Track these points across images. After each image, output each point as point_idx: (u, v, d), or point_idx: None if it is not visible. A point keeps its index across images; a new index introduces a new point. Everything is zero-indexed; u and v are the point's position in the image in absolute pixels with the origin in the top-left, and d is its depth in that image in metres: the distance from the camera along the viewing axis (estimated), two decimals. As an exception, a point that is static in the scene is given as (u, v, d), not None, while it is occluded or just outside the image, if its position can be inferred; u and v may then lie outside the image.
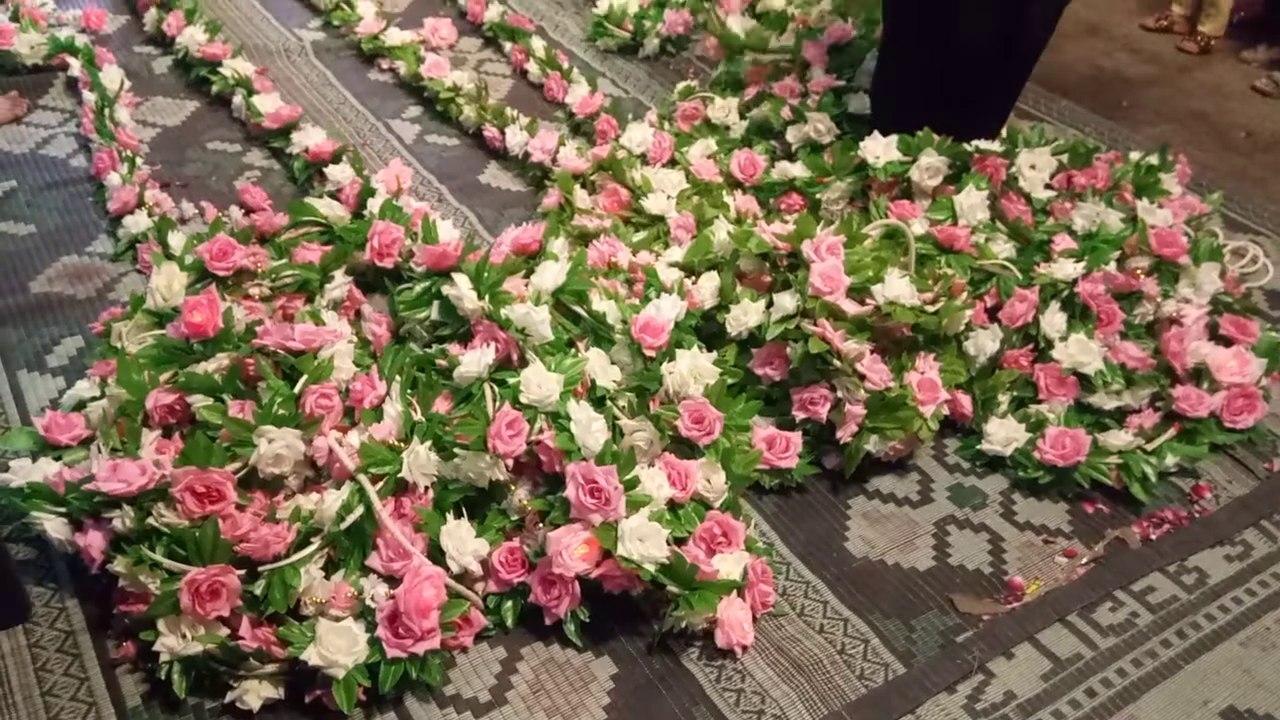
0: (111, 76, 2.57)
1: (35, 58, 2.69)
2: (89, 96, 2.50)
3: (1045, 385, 1.79)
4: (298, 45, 2.98)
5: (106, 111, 2.43)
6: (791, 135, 2.43)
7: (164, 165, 2.39)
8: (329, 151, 2.31)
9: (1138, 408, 1.79)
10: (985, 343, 1.76)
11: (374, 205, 2.01)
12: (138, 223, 2.08)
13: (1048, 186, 2.06)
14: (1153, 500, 1.69)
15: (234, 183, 2.36)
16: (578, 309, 1.69)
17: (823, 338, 1.62)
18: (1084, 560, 1.59)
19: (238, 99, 2.57)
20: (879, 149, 2.09)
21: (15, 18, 2.78)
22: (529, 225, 1.91)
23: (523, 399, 1.48)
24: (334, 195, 2.16)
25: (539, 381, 1.49)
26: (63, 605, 1.42)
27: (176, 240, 1.97)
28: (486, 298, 1.65)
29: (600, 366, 1.61)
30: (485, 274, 1.69)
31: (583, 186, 2.25)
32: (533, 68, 2.89)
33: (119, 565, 1.32)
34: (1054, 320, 1.81)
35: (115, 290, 2.01)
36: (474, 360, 1.52)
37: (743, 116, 2.55)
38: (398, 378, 1.57)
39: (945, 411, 1.70)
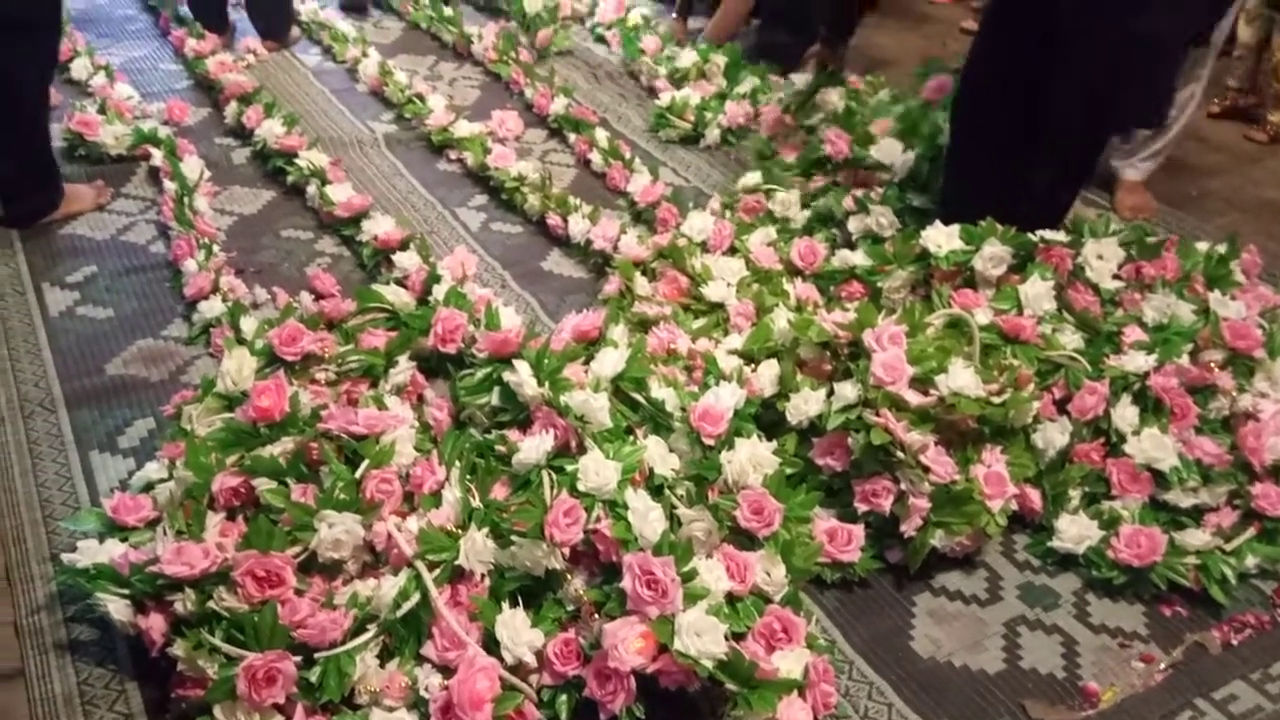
0: (192, 166, 2.68)
1: (120, 148, 2.82)
2: (169, 185, 2.60)
3: (1118, 481, 1.73)
4: (370, 137, 3.09)
5: (186, 200, 2.53)
6: (853, 225, 2.44)
7: (239, 252, 2.47)
8: (397, 239, 2.36)
9: (1215, 506, 1.72)
10: (1054, 436, 1.72)
11: (439, 292, 2.05)
12: (212, 307, 2.14)
13: (1116, 277, 2.03)
14: (1233, 603, 1.61)
15: (305, 269, 2.43)
16: (637, 396, 1.69)
17: (885, 428, 1.59)
18: (1162, 666, 1.52)
19: (311, 188, 2.66)
20: (941, 238, 2.08)
21: (102, 110, 2.92)
22: (589, 312, 1.92)
23: (580, 487, 1.47)
24: (401, 282, 2.21)
25: (597, 469, 1.48)
26: (122, 688, 1.43)
27: (248, 325, 2.02)
28: (546, 384, 1.66)
29: (659, 454, 1.59)
30: (545, 360, 1.70)
31: (643, 274, 2.27)
32: (596, 158, 2.95)
33: (179, 649, 1.33)
34: (1126, 414, 1.76)
35: (188, 373, 2.07)
36: (533, 447, 1.53)
37: (805, 207, 2.57)
38: (457, 463, 1.57)
39: (1013, 506, 1.65)
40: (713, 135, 3.10)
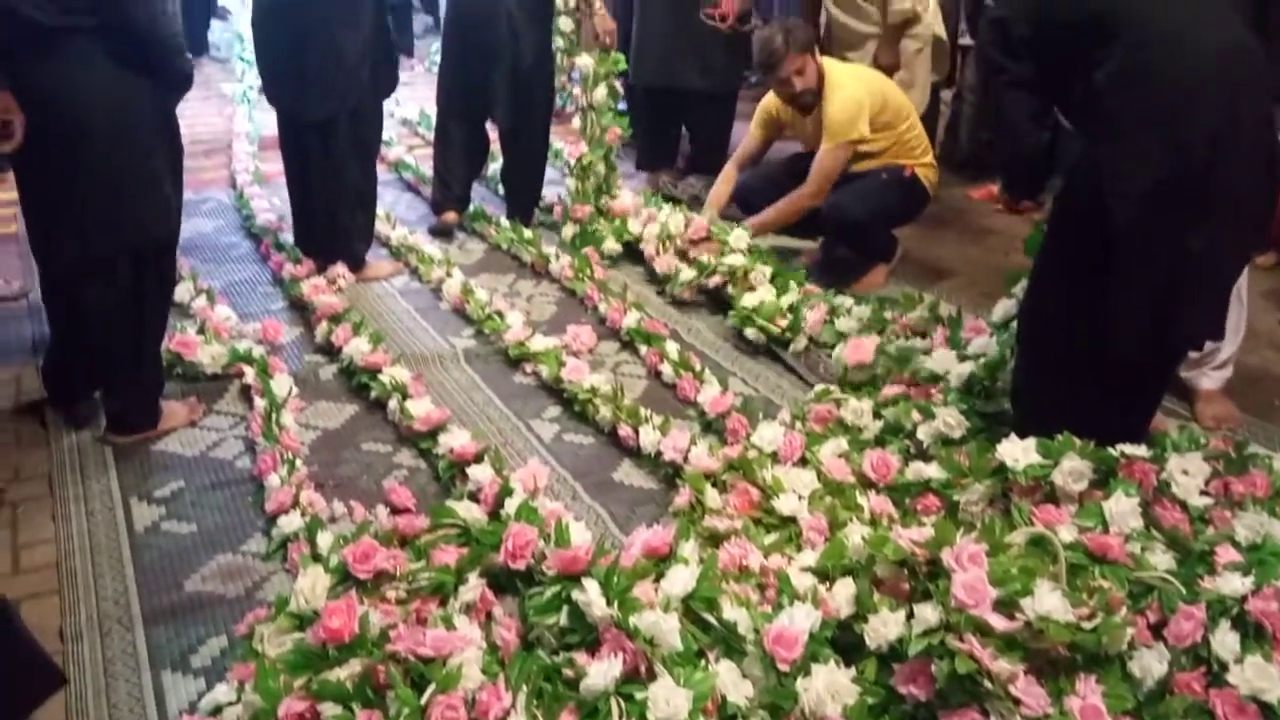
0: (281, 384, 2.80)
1: (215, 367, 2.96)
2: (259, 402, 2.71)
3: (1223, 714, 1.61)
4: (451, 352, 3.21)
5: (274, 416, 2.63)
6: (923, 433, 2.42)
7: (320, 466, 2.54)
8: (472, 452, 2.41)
9: (1334, 741, 1.58)
10: (1152, 664, 1.62)
11: (511, 506, 2.07)
12: (291, 522, 2.18)
13: (1203, 493, 1.96)
14: None
15: (382, 482, 2.48)
16: (708, 617, 1.65)
17: (970, 656, 1.52)
18: None
19: (393, 403, 2.75)
20: (1018, 451, 2.04)
21: (201, 330, 3.10)
22: (659, 526, 1.91)
23: (650, 717, 1.42)
24: (474, 495, 2.23)
25: (667, 698, 1.43)
26: None
27: (325, 540, 2.05)
28: (615, 604, 1.63)
29: (731, 681, 1.54)
30: (615, 579, 1.68)
31: (714, 486, 2.27)
32: (666, 369, 3.01)
33: None
34: (1226, 640, 1.66)
35: (263, 589, 2.09)
36: (600, 673, 1.49)
37: (877, 416, 2.57)
38: (524, 689, 1.54)
39: (1113, 742, 1.54)
40: (799, 343, 3.14)
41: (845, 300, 3.21)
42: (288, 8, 3.34)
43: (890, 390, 2.65)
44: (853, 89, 3.56)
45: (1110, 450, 2.00)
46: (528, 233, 4.10)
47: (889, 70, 4.00)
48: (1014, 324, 2.45)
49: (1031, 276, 2.28)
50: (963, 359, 2.60)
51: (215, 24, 7.95)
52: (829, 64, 3.65)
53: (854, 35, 4.14)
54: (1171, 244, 1.96)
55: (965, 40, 4.49)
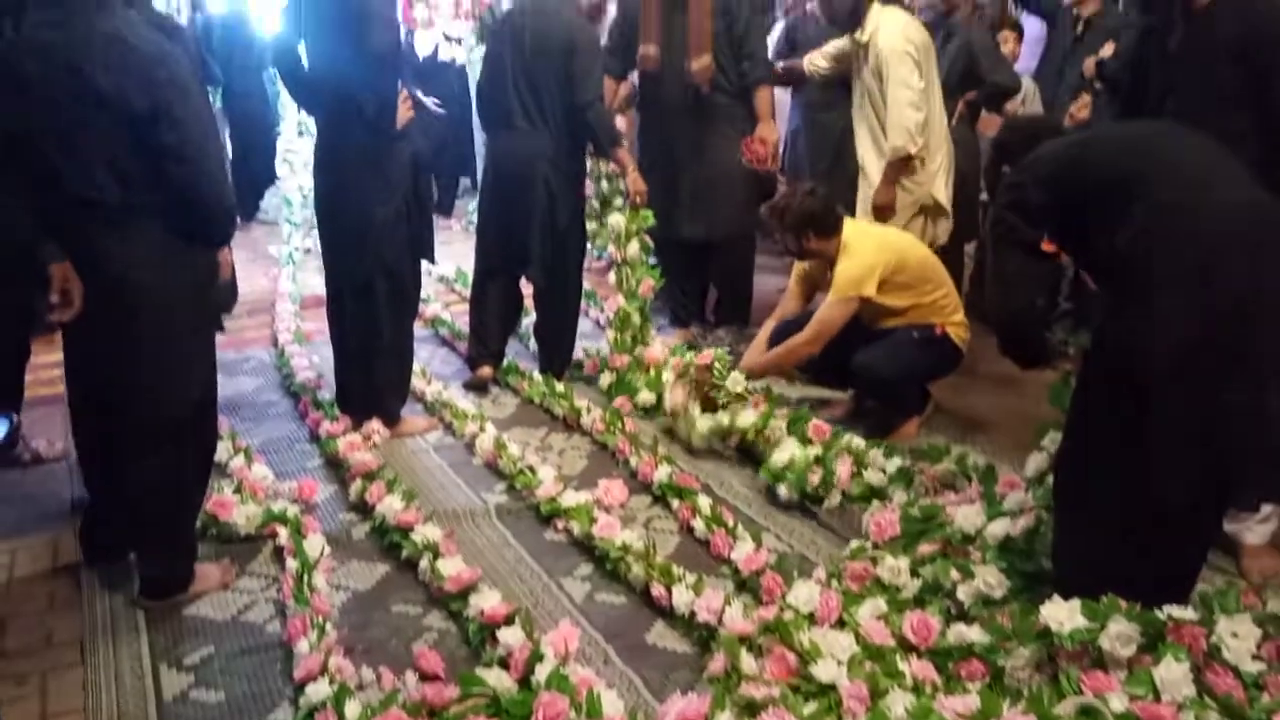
0: (314, 544, 2.80)
1: (249, 528, 2.98)
2: (291, 564, 2.71)
3: None
4: (483, 508, 3.21)
5: (305, 578, 2.63)
6: (963, 593, 2.37)
7: (350, 629, 2.51)
8: (502, 614, 2.38)
9: None
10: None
11: (541, 673, 2.03)
12: (319, 691, 2.14)
13: (1255, 657, 1.89)
14: None
15: (412, 645, 2.44)
16: (746, 796, 1.59)
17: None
18: None
19: (424, 563, 2.74)
20: (1062, 614, 1.99)
21: (238, 490, 3.13)
22: (694, 694, 1.86)
23: None
24: (504, 661, 2.19)
25: None
26: None
27: (352, 710, 2.02)
28: (650, 783, 1.58)
29: None
30: (649, 756, 1.63)
31: (749, 649, 2.21)
32: (699, 525, 2.99)
33: None
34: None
35: (289, 762, 2.04)
36: None
37: (914, 574, 2.52)
38: None
39: None
40: (834, 499, 3.11)
41: (873, 452, 3.20)
42: (333, 175, 3.52)
43: (927, 547, 2.60)
44: (865, 250, 3.60)
45: (1157, 613, 1.94)
46: (560, 386, 4.15)
47: (883, 211, 4.03)
48: (1049, 479, 2.42)
49: (1065, 432, 2.27)
50: (998, 515, 2.56)
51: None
52: (849, 225, 3.71)
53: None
54: (1208, 403, 1.95)
55: (986, 196, 4.60)
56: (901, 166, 4.00)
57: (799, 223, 3.65)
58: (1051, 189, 2.21)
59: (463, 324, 4.68)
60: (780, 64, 4.88)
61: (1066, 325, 4.27)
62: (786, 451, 3.25)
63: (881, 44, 3.92)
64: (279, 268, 6.22)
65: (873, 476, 3.06)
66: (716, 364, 3.70)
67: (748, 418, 3.48)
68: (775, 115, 4.67)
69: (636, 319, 4.31)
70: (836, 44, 4.28)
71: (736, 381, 3.62)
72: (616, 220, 4.34)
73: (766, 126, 4.52)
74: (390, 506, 3.01)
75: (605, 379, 4.21)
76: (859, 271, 3.57)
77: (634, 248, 4.32)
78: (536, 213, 4.05)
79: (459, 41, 5.51)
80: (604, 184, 4.26)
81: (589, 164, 4.26)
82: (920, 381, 3.76)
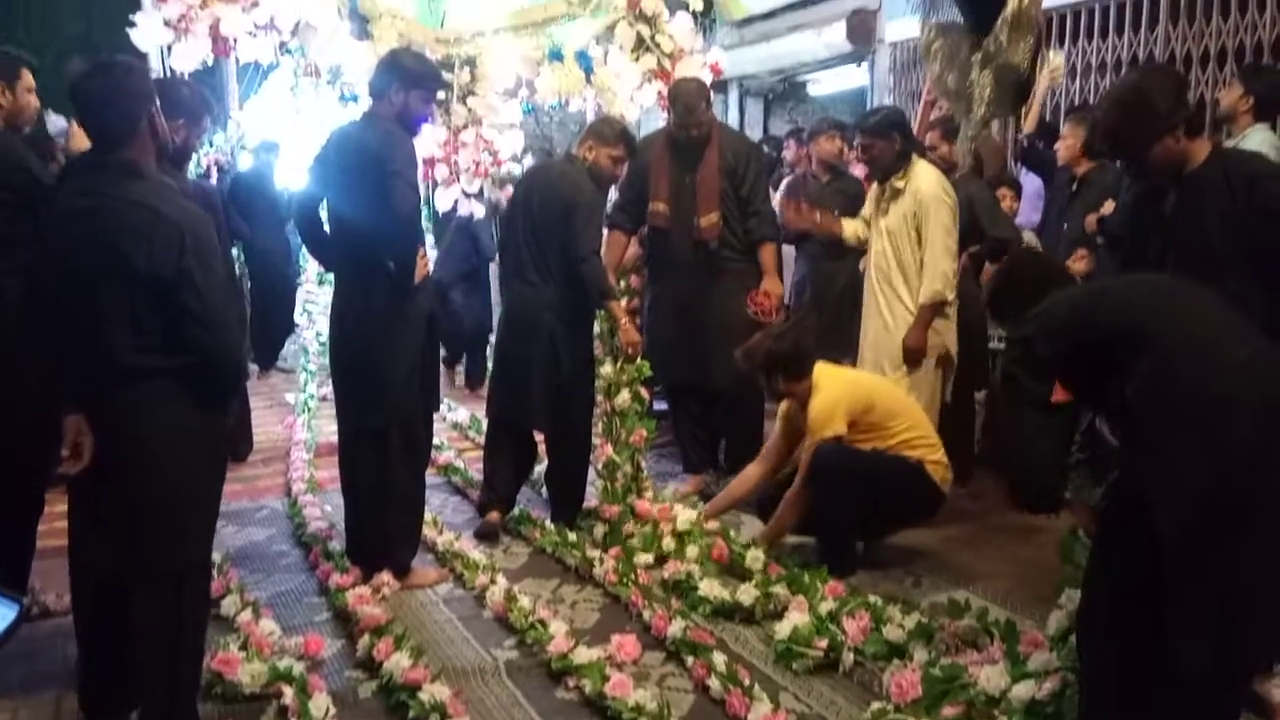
0: (319, 704, 2.74)
1: (254, 686, 2.91)
2: (295, 727, 2.65)
3: None
4: (492, 665, 3.14)
5: (309, 742, 2.56)
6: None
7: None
8: (511, 781, 2.30)
9: None
10: None
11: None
12: None
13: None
14: None
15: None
16: None
17: None
18: None
19: (431, 725, 2.67)
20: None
21: (244, 646, 3.07)
22: None
23: None
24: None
25: None
26: None
27: None
28: None
29: None
30: None
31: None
32: (714, 683, 2.91)
33: None
34: None
35: None
36: None
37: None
38: None
39: None
40: (847, 660, 3.04)
41: (890, 608, 3.14)
42: (351, 328, 3.60)
43: (950, 710, 2.53)
44: (832, 390, 3.72)
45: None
46: (571, 536, 4.12)
47: (915, 354, 4.08)
48: (1073, 637, 2.37)
49: (1084, 592, 2.24)
50: (1023, 677, 2.49)
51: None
52: (821, 368, 3.82)
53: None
54: (1223, 557, 1.93)
55: (995, 344, 4.65)
56: (936, 311, 4.11)
57: (769, 365, 3.79)
58: (1060, 343, 2.24)
59: (476, 471, 4.69)
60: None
61: (1080, 478, 4.25)
62: (789, 622, 3.19)
63: (924, 190, 4.07)
64: (295, 415, 6.28)
65: (892, 633, 3.00)
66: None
67: (749, 594, 3.44)
68: (780, 268, 4.80)
69: (628, 468, 4.35)
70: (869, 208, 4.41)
71: (685, 519, 3.86)
72: (607, 370, 4.43)
73: (771, 280, 4.64)
74: (398, 664, 2.95)
75: (598, 529, 4.18)
76: (826, 411, 3.69)
77: (624, 397, 4.41)
78: (541, 363, 4.14)
79: (479, 196, 5.70)
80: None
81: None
82: (880, 497, 3.71)
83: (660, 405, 5.47)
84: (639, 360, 4.41)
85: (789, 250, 5.50)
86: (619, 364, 4.42)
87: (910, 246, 4.11)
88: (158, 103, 2.52)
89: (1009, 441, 4.13)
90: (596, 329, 4.45)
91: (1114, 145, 2.71)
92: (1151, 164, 2.59)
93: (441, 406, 4.73)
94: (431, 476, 4.52)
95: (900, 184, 4.14)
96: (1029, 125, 4.99)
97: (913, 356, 4.10)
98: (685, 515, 4.06)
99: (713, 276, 4.65)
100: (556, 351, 4.15)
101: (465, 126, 5.07)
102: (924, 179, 4.11)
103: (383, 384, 3.55)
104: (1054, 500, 2.43)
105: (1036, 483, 2.38)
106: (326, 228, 3.75)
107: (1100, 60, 6.18)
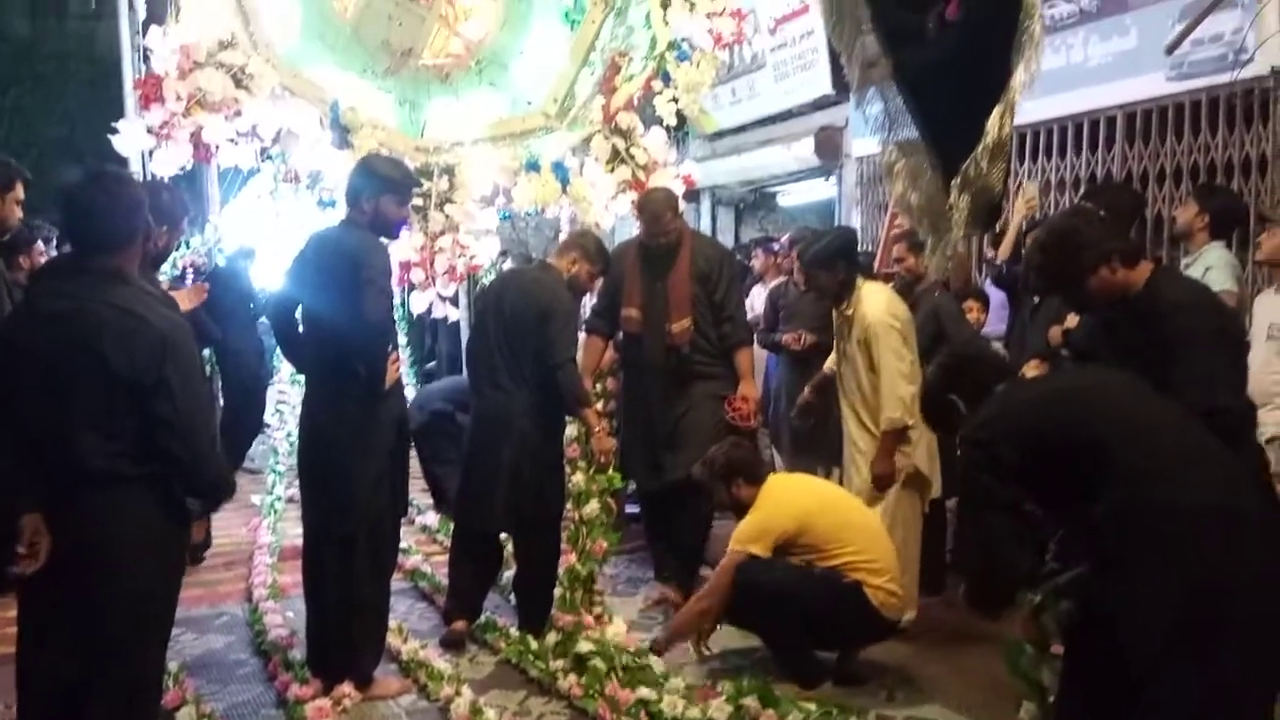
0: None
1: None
2: None
3: None
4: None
5: None
6: None
7: None
8: None
9: None
10: None
11: None
12: None
13: None
14: None
15: None
16: None
17: None
18: None
19: (387, 846, 2.57)
20: None
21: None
22: None
23: None
24: None
25: None
26: None
27: None
28: None
29: None
30: None
31: None
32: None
33: None
34: None
35: None
36: None
37: None
38: None
39: None
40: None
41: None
42: (321, 430, 3.58)
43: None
44: (768, 509, 3.69)
45: None
46: (535, 645, 4.04)
47: (883, 481, 4.01)
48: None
49: (1055, 710, 2.22)
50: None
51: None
52: (772, 482, 3.83)
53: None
54: (1200, 677, 1.92)
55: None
56: (898, 437, 4.01)
57: (727, 471, 3.79)
58: (1021, 448, 2.23)
59: (443, 576, 4.61)
60: (770, 334, 5.28)
61: (1049, 590, 4.23)
62: None
63: (870, 316, 4.02)
64: (260, 517, 6.17)
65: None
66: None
67: (721, 710, 3.36)
68: (755, 373, 4.84)
69: (588, 578, 4.32)
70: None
71: (617, 632, 3.85)
72: (579, 479, 4.41)
73: (748, 385, 4.66)
74: (357, 781, 2.85)
75: (551, 637, 4.09)
76: (756, 529, 3.68)
77: (593, 507, 4.38)
78: (510, 468, 4.11)
79: (454, 301, 5.76)
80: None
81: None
82: (806, 617, 3.66)
83: (633, 508, 5.46)
84: (610, 470, 4.40)
85: (763, 353, 5.55)
86: (591, 471, 4.41)
87: (865, 372, 4.06)
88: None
89: (969, 541, 4.13)
90: (572, 432, 4.45)
91: (1047, 282, 2.79)
92: (1091, 295, 2.66)
93: (410, 510, 4.66)
94: (398, 581, 4.44)
95: (849, 311, 4.12)
96: (1004, 252, 5.07)
97: (881, 483, 4.03)
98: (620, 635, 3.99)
99: (685, 382, 4.66)
100: (527, 457, 4.13)
101: (442, 232, 5.15)
102: (870, 304, 4.05)
103: (351, 489, 3.52)
104: (1008, 601, 2.42)
105: (991, 587, 2.37)
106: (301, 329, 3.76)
107: (1059, 178, 6.40)
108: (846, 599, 3.62)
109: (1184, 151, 5.65)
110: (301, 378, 4.44)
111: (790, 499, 3.83)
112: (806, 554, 3.70)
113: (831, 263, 4.12)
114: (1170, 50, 5.48)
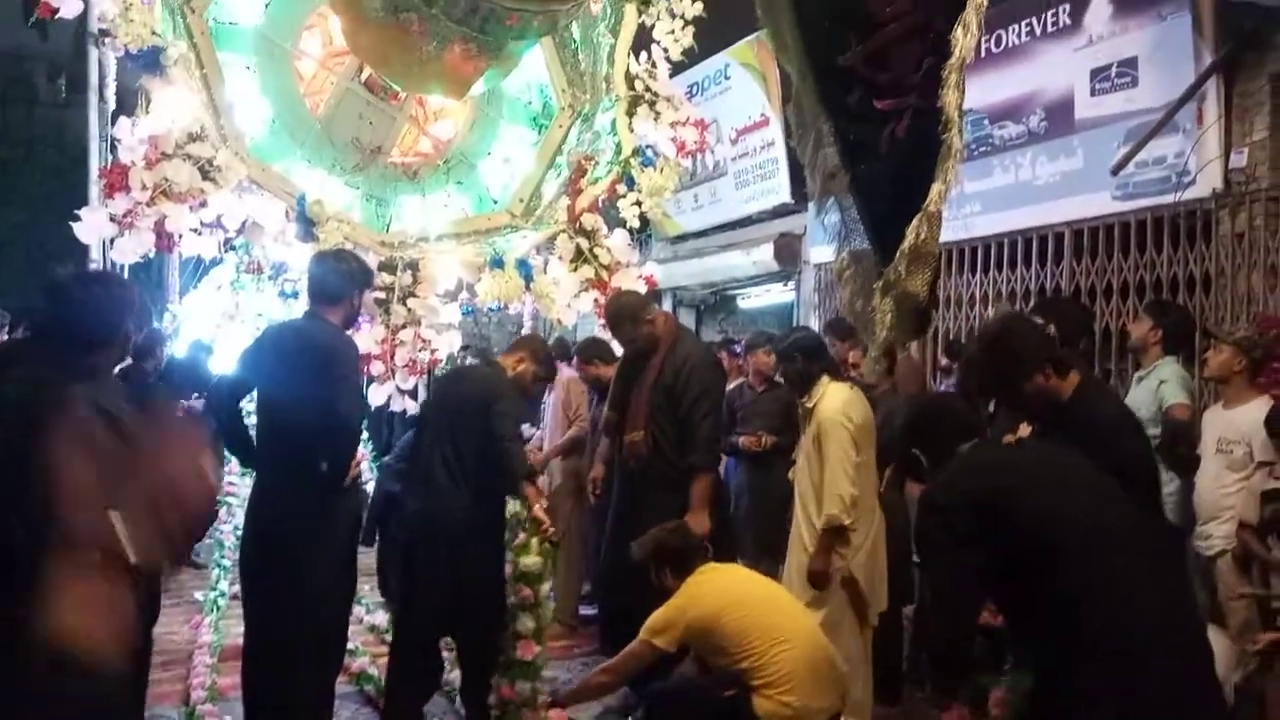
0: None
1: None
2: None
3: None
4: None
5: None
6: None
7: None
8: None
9: None
10: None
11: None
12: None
13: None
14: None
15: None
16: None
17: None
18: None
19: None
20: None
21: None
22: None
23: None
24: None
25: None
26: None
27: None
28: None
29: None
30: None
31: None
32: None
33: None
34: None
35: None
36: None
37: None
38: None
39: None
40: None
41: None
42: (270, 529, 3.49)
43: None
44: (683, 603, 3.62)
45: None
46: (485, 753, 3.91)
47: (818, 578, 3.95)
48: None
49: None
50: None
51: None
52: (699, 575, 3.70)
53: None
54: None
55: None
56: (836, 536, 3.97)
57: (657, 555, 3.72)
58: (978, 517, 2.21)
59: (390, 679, 4.46)
60: (727, 437, 5.18)
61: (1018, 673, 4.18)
62: None
63: (823, 412, 4.05)
64: (202, 614, 5.98)
65: None
66: None
67: None
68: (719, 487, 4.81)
69: (527, 689, 4.14)
70: None
71: None
72: (532, 561, 4.31)
73: (695, 518, 4.28)
74: None
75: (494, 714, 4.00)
76: (662, 623, 3.62)
77: (545, 588, 4.29)
78: (448, 574, 3.95)
79: (413, 394, 5.72)
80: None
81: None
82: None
83: (588, 610, 5.37)
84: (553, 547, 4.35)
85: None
86: (538, 546, 4.31)
87: (817, 468, 4.05)
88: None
89: (930, 608, 4.03)
90: (515, 508, 4.35)
91: (983, 388, 2.84)
92: (1028, 402, 2.72)
93: (357, 607, 4.53)
94: (342, 684, 4.28)
95: (809, 405, 4.17)
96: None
97: (815, 581, 3.97)
98: None
99: (642, 494, 4.52)
100: (468, 561, 3.99)
101: (404, 326, 5.15)
102: (827, 400, 4.09)
103: (301, 588, 3.41)
104: (965, 674, 2.38)
105: (950, 644, 2.32)
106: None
107: (1010, 289, 6.58)
108: (723, 714, 3.53)
109: (1130, 268, 5.85)
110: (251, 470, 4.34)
111: (705, 594, 3.67)
112: (712, 654, 3.62)
113: (790, 354, 4.25)
114: (1115, 171, 5.74)
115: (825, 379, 4.18)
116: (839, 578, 4.01)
